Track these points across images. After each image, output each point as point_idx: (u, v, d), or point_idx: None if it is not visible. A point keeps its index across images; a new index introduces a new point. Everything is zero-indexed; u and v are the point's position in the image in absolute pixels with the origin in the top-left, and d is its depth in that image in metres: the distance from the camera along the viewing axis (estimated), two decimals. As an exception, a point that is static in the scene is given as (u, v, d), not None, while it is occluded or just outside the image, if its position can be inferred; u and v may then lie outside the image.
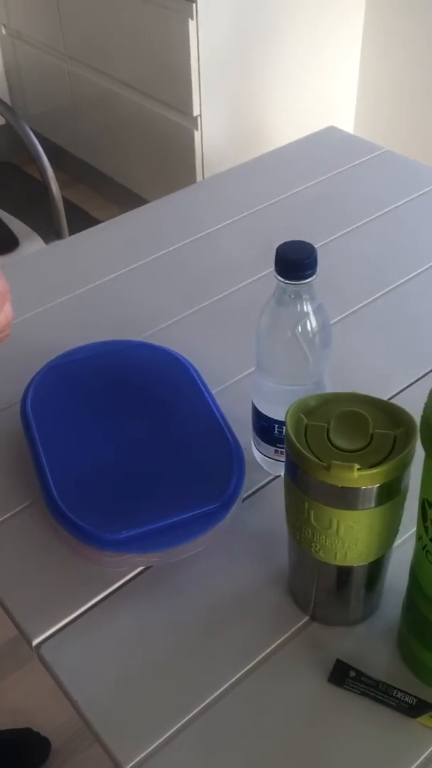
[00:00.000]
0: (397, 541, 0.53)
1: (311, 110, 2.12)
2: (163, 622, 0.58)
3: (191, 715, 0.52)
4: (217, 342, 0.82)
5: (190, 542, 0.59)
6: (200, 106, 1.91)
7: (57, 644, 0.56)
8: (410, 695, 0.52)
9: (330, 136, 1.22)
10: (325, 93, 2.14)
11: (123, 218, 1.05)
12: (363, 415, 0.48)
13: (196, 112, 1.91)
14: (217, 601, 0.59)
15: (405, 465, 0.47)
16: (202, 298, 0.88)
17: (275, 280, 0.57)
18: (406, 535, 0.58)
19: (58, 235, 1.54)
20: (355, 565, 0.51)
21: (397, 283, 0.89)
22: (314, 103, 2.12)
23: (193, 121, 1.93)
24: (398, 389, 0.75)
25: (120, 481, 0.63)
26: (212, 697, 0.53)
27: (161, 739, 0.51)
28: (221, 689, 0.54)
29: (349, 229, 0.99)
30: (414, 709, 0.52)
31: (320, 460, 0.46)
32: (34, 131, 1.49)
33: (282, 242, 0.57)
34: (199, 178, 2.03)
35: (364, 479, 0.45)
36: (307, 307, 0.57)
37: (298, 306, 0.57)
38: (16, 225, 1.55)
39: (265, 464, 0.68)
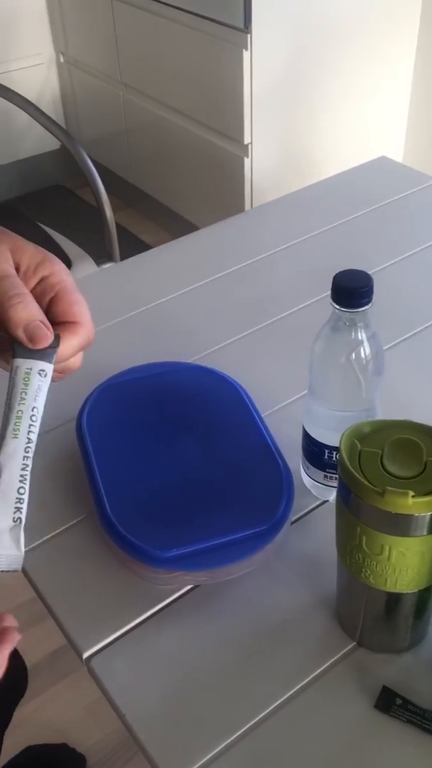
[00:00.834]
0: (447, 570, 0.53)
1: (361, 140, 2.14)
2: (210, 640, 0.58)
3: (237, 734, 0.53)
4: (267, 366, 0.83)
5: (238, 563, 0.60)
6: (251, 134, 1.94)
7: (107, 658, 0.58)
8: (457, 726, 0.52)
9: (381, 166, 1.23)
10: (375, 123, 2.15)
11: (174, 244, 1.07)
12: (417, 443, 0.49)
13: (246, 140, 1.95)
14: (264, 623, 0.59)
15: (458, 494, 0.47)
16: (253, 322, 0.90)
17: (325, 307, 0.59)
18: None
19: (110, 258, 1.58)
20: (405, 592, 0.52)
21: (448, 313, 0.90)
22: (364, 132, 2.14)
23: (244, 149, 1.97)
24: (448, 419, 0.75)
25: (171, 499, 0.64)
26: (259, 717, 0.54)
27: (207, 757, 0.52)
28: (268, 710, 0.54)
29: (399, 258, 1.00)
30: (461, 740, 0.51)
31: (374, 486, 0.47)
32: (87, 156, 1.53)
33: (337, 271, 0.58)
34: (247, 204, 2.06)
35: (419, 506, 0.46)
36: (362, 335, 0.58)
37: (353, 333, 0.58)
38: (69, 247, 1.60)
39: (314, 489, 0.68)
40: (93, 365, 0.81)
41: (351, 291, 0.56)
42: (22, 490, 0.45)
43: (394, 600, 0.53)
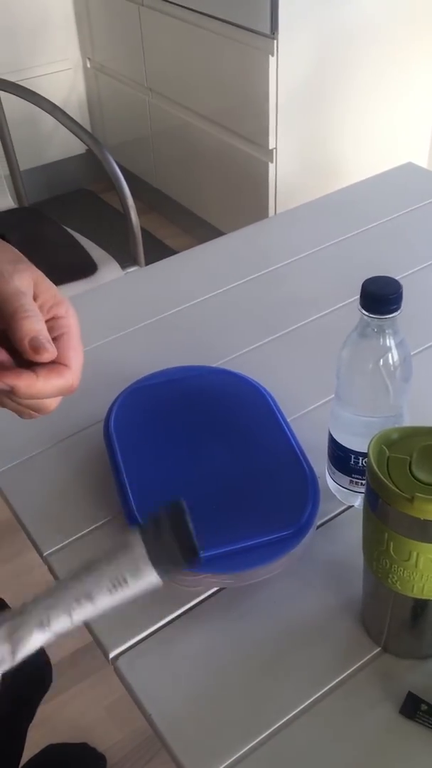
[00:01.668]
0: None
1: (387, 146, 2.14)
2: (235, 643, 0.59)
3: (262, 736, 0.53)
4: (293, 370, 0.83)
5: (263, 566, 0.61)
6: (276, 139, 1.94)
7: (132, 658, 0.58)
8: None
9: (408, 172, 1.23)
10: (400, 129, 2.15)
11: (200, 249, 1.08)
12: (445, 450, 0.49)
13: (271, 145, 1.95)
14: (289, 627, 0.60)
15: None
16: (278, 327, 0.90)
17: (351, 313, 0.59)
18: None
19: (135, 262, 1.59)
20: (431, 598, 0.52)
21: (474, 320, 0.90)
22: (390, 138, 2.14)
23: (269, 154, 1.97)
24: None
25: (197, 502, 0.64)
26: (283, 720, 0.54)
27: (232, 759, 0.52)
28: (292, 714, 0.54)
29: (425, 264, 1.00)
30: None
31: (402, 492, 0.47)
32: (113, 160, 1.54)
33: (362, 277, 0.58)
34: (271, 209, 2.06)
35: (447, 513, 0.46)
36: (390, 341, 0.59)
37: (381, 340, 0.58)
38: (94, 250, 1.61)
39: (339, 494, 0.68)
40: (120, 368, 0.83)
41: (380, 298, 0.56)
42: None
43: (420, 606, 0.53)
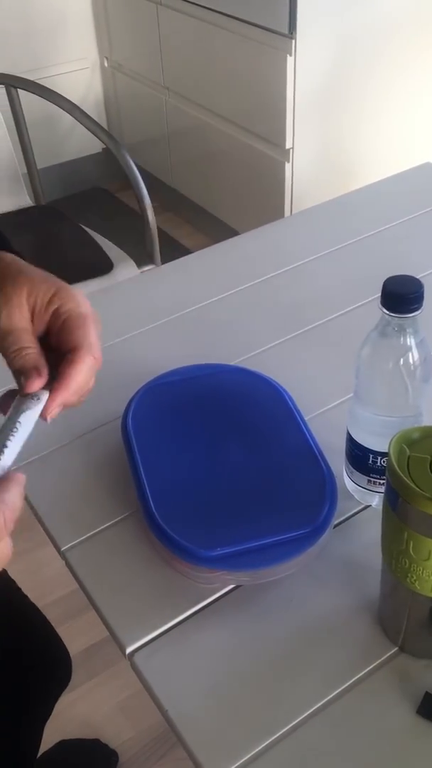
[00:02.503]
0: None
1: (404, 146, 2.13)
2: (251, 640, 0.59)
3: (278, 734, 0.53)
4: (310, 369, 0.83)
5: (281, 564, 0.61)
6: (293, 139, 1.94)
7: (149, 654, 0.58)
8: None
9: (425, 172, 1.22)
10: (419, 129, 2.14)
11: (216, 248, 1.08)
12: (466, 450, 0.49)
13: (288, 145, 1.95)
14: (306, 625, 0.60)
15: None
16: (296, 326, 0.90)
17: (369, 312, 0.59)
18: None
19: (152, 261, 1.59)
20: (450, 598, 0.52)
21: None
22: (408, 139, 2.13)
23: (285, 154, 1.97)
24: None
25: (215, 499, 0.65)
26: (299, 718, 0.54)
27: (248, 756, 0.52)
28: (308, 712, 0.54)
29: (444, 265, 0.99)
30: None
31: (423, 491, 0.47)
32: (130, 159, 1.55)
33: (380, 276, 0.58)
34: (287, 209, 2.06)
35: (468, 512, 0.46)
36: (410, 341, 0.58)
37: (402, 339, 0.58)
38: (110, 249, 1.61)
39: (357, 493, 0.68)
40: (137, 366, 0.83)
41: (401, 296, 0.56)
42: None
43: (438, 606, 0.53)
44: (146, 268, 1.58)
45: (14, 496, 0.44)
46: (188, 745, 0.53)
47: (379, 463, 0.64)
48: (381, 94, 2.01)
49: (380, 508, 0.54)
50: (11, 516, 0.43)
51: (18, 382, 0.51)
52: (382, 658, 0.57)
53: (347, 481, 0.69)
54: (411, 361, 0.59)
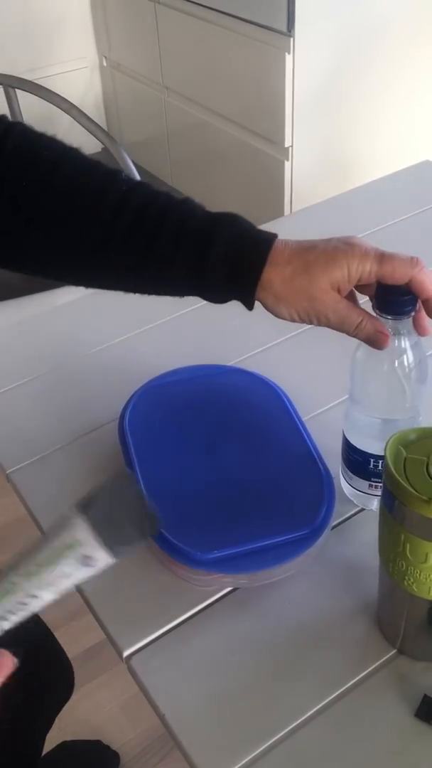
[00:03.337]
0: None
1: (404, 144, 2.12)
2: (249, 643, 0.59)
3: (276, 737, 0.53)
4: (308, 370, 0.83)
5: (278, 567, 0.60)
6: (292, 137, 1.94)
7: (146, 657, 0.58)
8: None
9: (425, 170, 1.22)
10: (418, 127, 2.14)
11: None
12: (463, 451, 0.49)
13: (287, 143, 1.94)
14: (303, 627, 0.59)
15: None
16: (293, 326, 0.89)
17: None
18: None
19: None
20: (447, 600, 0.51)
21: None
22: (407, 137, 2.12)
23: (285, 152, 1.97)
24: None
25: (212, 501, 0.65)
26: (297, 722, 0.54)
27: (246, 759, 0.52)
28: (306, 715, 0.54)
29: (443, 263, 0.99)
30: None
31: (419, 494, 0.47)
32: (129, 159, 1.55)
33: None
34: (287, 207, 2.05)
35: (464, 515, 0.45)
36: (405, 343, 0.58)
37: (396, 341, 0.58)
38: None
39: (355, 498, 0.68)
40: (136, 366, 0.83)
41: (394, 299, 0.56)
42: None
43: (436, 608, 0.52)
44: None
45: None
46: (185, 749, 0.53)
47: (380, 467, 0.64)
48: (380, 92, 2.01)
49: (379, 510, 0.53)
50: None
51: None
52: (381, 661, 0.57)
53: (344, 485, 0.68)
54: (406, 363, 0.58)
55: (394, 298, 0.56)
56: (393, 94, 2.03)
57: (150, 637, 0.59)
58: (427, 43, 2.00)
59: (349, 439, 0.65)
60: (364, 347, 0.60)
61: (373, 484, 0.65)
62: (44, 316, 0.95)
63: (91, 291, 0.95)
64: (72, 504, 0.45)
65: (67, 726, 1.28)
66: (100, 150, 2.71)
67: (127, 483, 0.46)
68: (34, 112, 1.96)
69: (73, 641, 1.37)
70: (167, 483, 0.66)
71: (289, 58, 1.81)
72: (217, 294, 0.59)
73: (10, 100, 1.72)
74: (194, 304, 0.95)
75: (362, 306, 0.59)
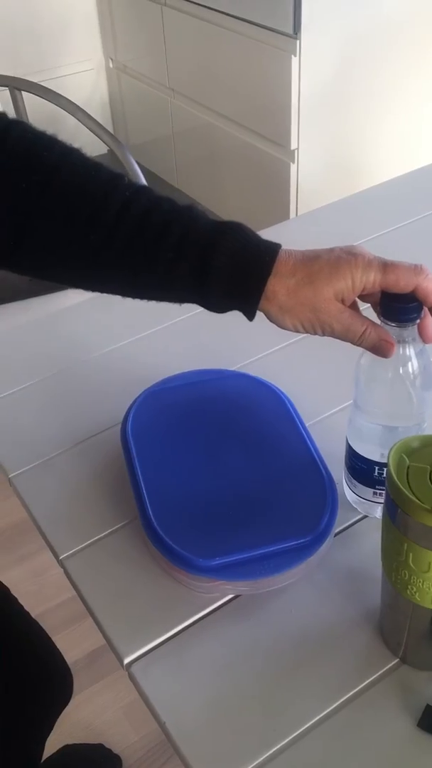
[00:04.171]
0: None
1: (410, 147, 2.12)
2: (250, 651, 0.58)
3: (278, 747, 0.52)
4: (311, 375, 0.82)
5: (280, 574, 0.60)
6: (298, 139, 1.93)
7: (147, 664, 0.58)
8: None
9: (431, 174, 1.21)
10: (425, 130, 2.13)
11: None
12: (467, 460, 0.48)
13: (293, 146, 1.94)
14: (305, 635, 0.59)
15: None
16: (298, 331, 0.89)
17: (372, 316, 0.58)
18: None
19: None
20: (450, 610, 0.51)
21: None
22: (414, 140, 2.12)
23: (290, 155, 1.96)
24: None
25: (214, 508, 0.64)
26: (298, 731, 0.53)
27: (246, 769, 0.52)
28: (308, 724, 0.54)
29: (448, 268, 0.98)
30: None
31: (422, 503, 0.46)
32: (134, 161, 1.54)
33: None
34: (293, 210, 2.05)
35: (468, 525, 0.45)
36: (410, 350, 0.58)
37: (401, 349, 0.57)
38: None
39: (359, 505, 0.67)
40: (138, 371, 0.82)
41: (399, 306, 0.56)
42: None
43: (439, 618, 0.52)
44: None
45: None
46: (186, 758, 0.53)
47: (385, 475, 0.63)
48: (387, 95, 2.00)
49: (382, 518, 0.53)
50: None
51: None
52: (383, 670, 0.56)
53: (348, 492, 0.68)
54: (411, 370, 0.58)
55: (398, 306, 0.56)
56: (399, 96, 2.02)
57: (151, 644, 0.59)
58: (433, 45, 1.99)
59: (352, 446, 0.64)
60: (369, 354, 0.59)
61: (378, 491, 0.64)
62: (47, 320, 0.95)
63: (93, 295, 0.95)
64: None
65: (70, 729, 1.28)
66: (106, 152, 2.72)
67: None
68: (39, 114, 1.97)
69: (75, 645, 1.37)
70: (170, 489, 0.66)
71: (295, 60, 1.81)
72: (219, 304, 0.59)
73: (16, 102, 1.72)
74: (197, 308, 0.94)
75: (368, 310, 0.58)
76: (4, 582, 0.86)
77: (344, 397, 0.74)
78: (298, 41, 1.78)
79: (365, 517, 0.67)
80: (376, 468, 0.63)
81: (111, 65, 2.63)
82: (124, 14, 2.45)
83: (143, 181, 1.51)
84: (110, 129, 2.71)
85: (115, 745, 1.26)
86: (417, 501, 0.46)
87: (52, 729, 0.93)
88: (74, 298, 0.96)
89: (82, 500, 0.71)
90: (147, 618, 0.61)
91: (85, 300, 0.96)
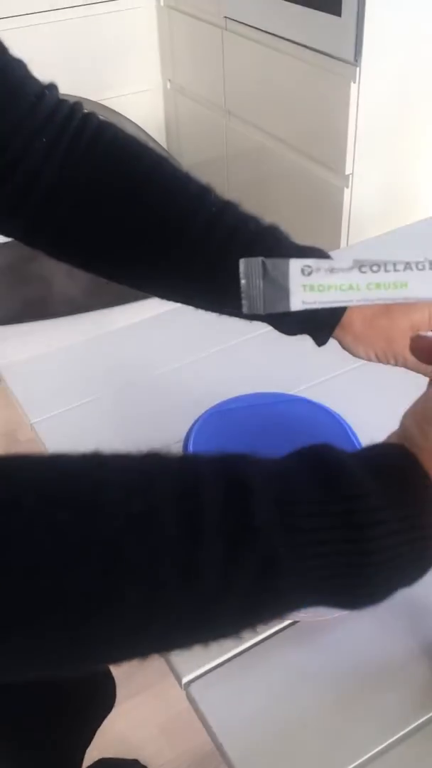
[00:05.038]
0: None
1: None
2: (307, 678, 0.58)
3: (335, 777, 0.52)
4: (373, 402, 0.82)
5: (340, 602, 0.60)
6: (353, 164, 1.94)
7: (205, 685, 0.58)
8: None
9: None
10: None
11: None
12: None
13: (348, 171, 1.95)
14: (364, 665, 0.59)
15: None
16: (357, 357, 0.89)
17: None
18: None
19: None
20: None
21: None
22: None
23: (345, 179, 1.97)
24: None
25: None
26: (358, 762, 0.53)
27: (303, 797, 0.51)
28: (364, 757, 0.53)
29: None
30: None
31: None
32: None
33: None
34: (343, 237, 2.05)
35: None
36: None
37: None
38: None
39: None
40: (200, 391, 0.83)
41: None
42: None
43: None
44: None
45: None
46: (243, 782, 0.53)
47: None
48: (444, 123, 2.00)
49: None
50: None
51: None
52: (443, 705, 0.56)
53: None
54: None
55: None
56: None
57: (210, 664, 0.59)
58: None
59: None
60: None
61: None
62: (105, 337, 0.96)
63: (151, 315, 0.96)
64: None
65: (105, 743, 1.28)
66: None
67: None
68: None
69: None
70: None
71: (354, 87, 1.82)
72: (292, 328, 0.59)
73: (79, 121, 1.76)
74: (257, 330, 0.95)
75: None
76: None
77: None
78: (357, 68, 1.79)
79: (425, 548, 0.67)
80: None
81: (168, 86, 2.67)
82: (184, 38, 2.49)
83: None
84: (165, 148, 2.75)
85: (150, 762, 1.25)
86: None
87: (92, 738, 0.94)
88: (129, 313, 0.97)
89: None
90: (205, 638, 0.61)
91: (145, 319, 0.97)
